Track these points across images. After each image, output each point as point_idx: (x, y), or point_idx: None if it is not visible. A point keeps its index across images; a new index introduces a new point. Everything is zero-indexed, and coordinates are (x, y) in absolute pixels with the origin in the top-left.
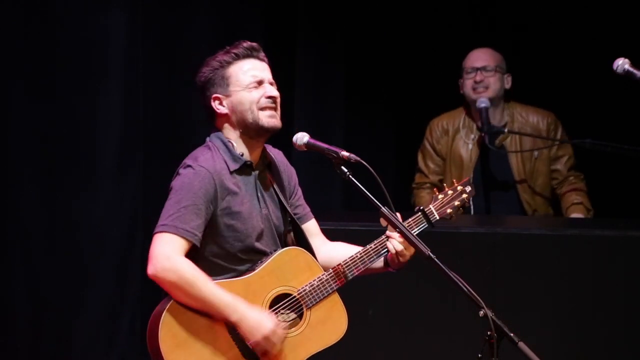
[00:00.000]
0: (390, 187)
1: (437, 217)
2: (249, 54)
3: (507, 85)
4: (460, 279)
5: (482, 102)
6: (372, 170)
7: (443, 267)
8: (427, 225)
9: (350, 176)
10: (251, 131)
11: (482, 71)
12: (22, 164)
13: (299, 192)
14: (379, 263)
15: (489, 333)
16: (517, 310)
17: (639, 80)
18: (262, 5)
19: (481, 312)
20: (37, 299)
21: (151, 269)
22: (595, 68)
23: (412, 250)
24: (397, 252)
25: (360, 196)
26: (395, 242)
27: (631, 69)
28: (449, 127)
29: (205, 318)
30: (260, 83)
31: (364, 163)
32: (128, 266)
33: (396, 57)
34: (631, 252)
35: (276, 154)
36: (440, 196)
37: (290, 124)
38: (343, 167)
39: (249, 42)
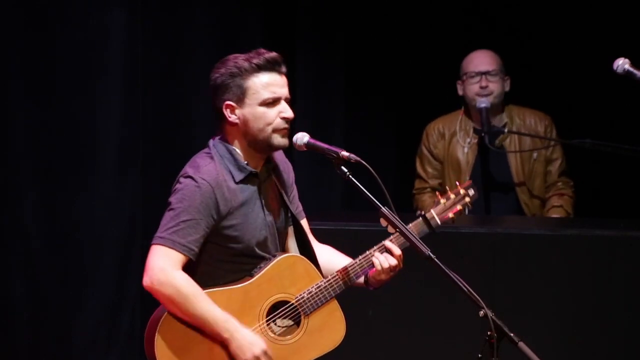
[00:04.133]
0: (391, 187)
1: (439, 223)
2: (270, 67)
3: (507, 88)
4: (460, 279)
5: (482, 102)
6: (372, 170)
7: (443, 267)
8: (428, 231)
9: (350, 176)
10: (259, 147)
11: (487, 76)
12: (22, 164)
13: (295, 189)
14: (359, 279)
15: (489, 333)
16: (517, 310)
17: (639, 80)
18: (262, 5)
19: (481, 312)
20: (37, 299)
21: (147, 281)
22: (594, 68)
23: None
24: (382, 269)
25: (360, 196)
26: (382, 259)
27: (631, 69)
28: (445, 130)
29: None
30: (277, 100)
31: (364, 163)
32: (128, 266)
33: (396, 57)
34: (631, 252)
35: (276, 153)
36: (442, 201)
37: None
38: (343, 167)
39: (271, 54)
